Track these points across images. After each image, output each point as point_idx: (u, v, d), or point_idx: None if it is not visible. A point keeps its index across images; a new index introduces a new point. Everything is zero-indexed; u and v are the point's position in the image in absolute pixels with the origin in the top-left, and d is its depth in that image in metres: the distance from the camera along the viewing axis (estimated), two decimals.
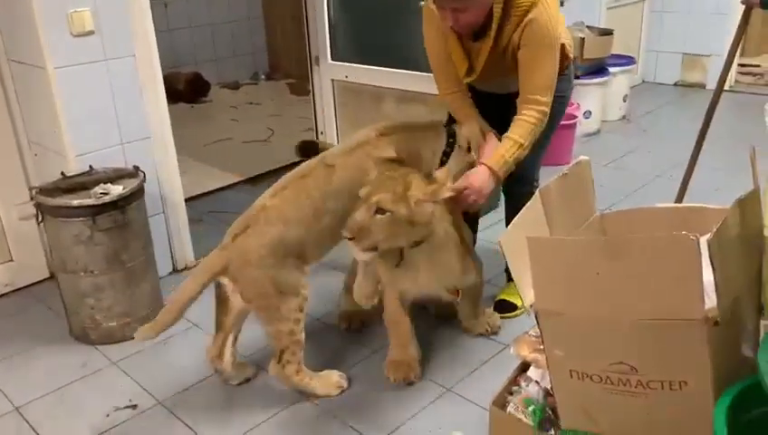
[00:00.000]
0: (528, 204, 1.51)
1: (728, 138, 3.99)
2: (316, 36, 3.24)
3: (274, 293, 2.00)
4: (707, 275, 1.25)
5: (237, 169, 4.11)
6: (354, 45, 3.23)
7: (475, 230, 2.64)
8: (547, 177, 2.12)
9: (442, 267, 2.07)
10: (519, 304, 2.57)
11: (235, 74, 6.28)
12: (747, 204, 1.29)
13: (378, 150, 2.14)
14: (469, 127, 2.23)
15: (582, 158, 1.64)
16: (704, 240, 1.44)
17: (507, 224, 2.64)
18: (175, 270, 2.94)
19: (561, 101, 2.30)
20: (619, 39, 4.71)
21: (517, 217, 1.49)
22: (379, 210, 1.83)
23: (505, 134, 2.11)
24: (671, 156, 4.11)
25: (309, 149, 2.57)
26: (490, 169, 2.06)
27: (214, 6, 6.14)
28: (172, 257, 2.92)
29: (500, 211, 3.15)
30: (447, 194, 1.90)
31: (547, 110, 2.11)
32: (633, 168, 4.01)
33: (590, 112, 4.52)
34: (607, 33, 4.53)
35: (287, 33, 6.18)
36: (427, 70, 2.47)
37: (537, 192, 1.54)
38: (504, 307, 2.56)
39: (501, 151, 2.09)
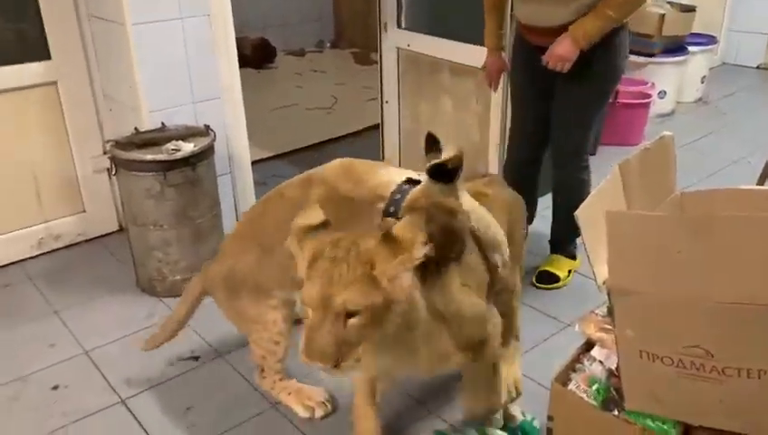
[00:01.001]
0: (608, 177, 1.46)
1: None
2: (386, 3, 3.20)
3: (239, 319, 1.98)
4: None
5: (301, 136, 4.14)
6: (421, 14, 3.18)
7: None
8: (616, 156, 2.07)
9: (433, 344, 1.48)
10: (562, 275, 2.57)
11: (300, 41, 6.30)
12: None
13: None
14: None
15: (666, 133, 1.57)
16: None
17: (554, 213, 2.62)
18: None
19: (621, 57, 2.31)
20: (700, 16, 4.49)
21: (595, 190, 1.43)
22: (350, 314, 1.26)
23: (601, 5, 2.11)
24: (750, 141, 3.92)
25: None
26: (572, 38, 2.14)
27: None
28: (237, 217, 2.97)
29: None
30: (421, 254, 1.29)
31: None
32: (709, 151, 3.85)
33: (665, 92, 4.34)
34: (689, 9, 4.33)
35: (354, 2, 6.14)
36: (481, 43, 2.53)
37: (617, 166, 1.48)
38: (547, 278, 2.57)
39: (584, 24, 2.13)
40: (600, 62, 2.24)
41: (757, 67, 5.44)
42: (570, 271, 2.61)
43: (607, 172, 1.49)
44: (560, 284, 2.56)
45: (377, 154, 3.56)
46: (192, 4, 2.55)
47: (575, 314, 2.04)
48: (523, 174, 2.59)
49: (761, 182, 2.54)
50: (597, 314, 1.77)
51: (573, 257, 2.63)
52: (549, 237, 2.67)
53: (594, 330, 1.71)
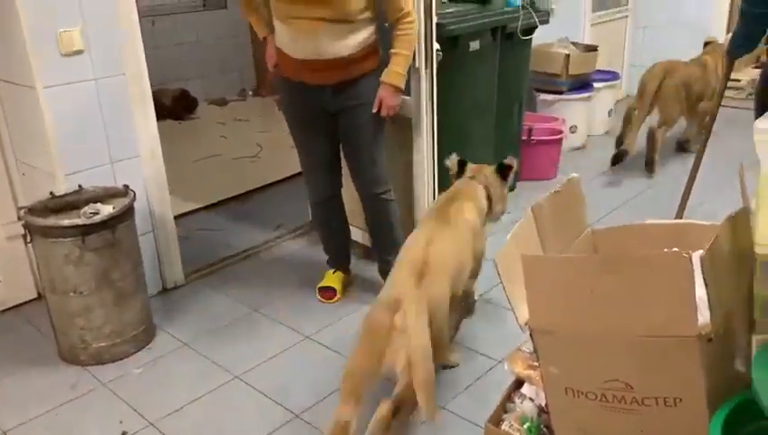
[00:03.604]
0: (521, 221, 1.52)
1: (713, 151, 4.04)
2: None
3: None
4: (700, 292, 1.27)
5: (226, 186, 4.10)
6: None
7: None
8: (534, 191, 2.20)
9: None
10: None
11: (222, 91, 6.28)
12: (738, 221, 1.31)
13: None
14: None
15: (573, 175, 1.66)
16: (696, 257, 1.47)
17: (370, 229, 2.81)
18: (164, 289, 2.92)
19: None
20: (603, 55, 4.78)
21: (511, 233, 1.50)
22: None
23: (392, 51, 2.42)
24: (657, 170, 4.16)
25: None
26: (392, 85, 2.43)
27: (200, 23, 6.15)
28: (161, 276, 2.90)
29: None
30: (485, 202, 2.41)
31: (414, 15, 2.42)
32: (620, 182, 4.05)
33: (576, 127, 4.57)
34: (591, 49, 4.60)
35: None
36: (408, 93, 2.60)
37: (529, 209, 1.55)
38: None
39: (395, 68, 2.42)
40: (374, 93, 2.47)
41: None
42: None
43: (526, 205, 1.56)
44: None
45: (304, 200, 3.57)
46: (106, 65, 2.52)
47: (507, 349, 2.09)
48: (326, 213, 2.80)
49: (678, 216, 2.69)
50: (524, 351, 1.83)
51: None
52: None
53: (522, 367, 1.77)
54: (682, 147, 4.50)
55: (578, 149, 4.64)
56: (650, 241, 1.65)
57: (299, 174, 3.99)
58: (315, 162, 2.67)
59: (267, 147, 4.90)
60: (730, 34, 2.34)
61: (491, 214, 2.42)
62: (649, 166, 4.08)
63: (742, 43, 2.29)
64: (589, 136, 4.77)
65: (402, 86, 2.47)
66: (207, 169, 4.51)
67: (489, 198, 2.39)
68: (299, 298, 2.86)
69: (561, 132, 4.13)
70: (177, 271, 2.95)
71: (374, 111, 2.48)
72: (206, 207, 3.85)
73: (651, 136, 4.05)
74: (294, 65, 2.43)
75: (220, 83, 6.30)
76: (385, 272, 2.60)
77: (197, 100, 5.86)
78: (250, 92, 6.48)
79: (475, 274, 2.36)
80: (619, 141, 4.11)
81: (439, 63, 2.60)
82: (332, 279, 2.87)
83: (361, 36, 2.38)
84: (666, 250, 1.21)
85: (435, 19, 2.55)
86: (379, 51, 2.50)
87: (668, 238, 1.64)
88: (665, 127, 4.05)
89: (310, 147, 2.64)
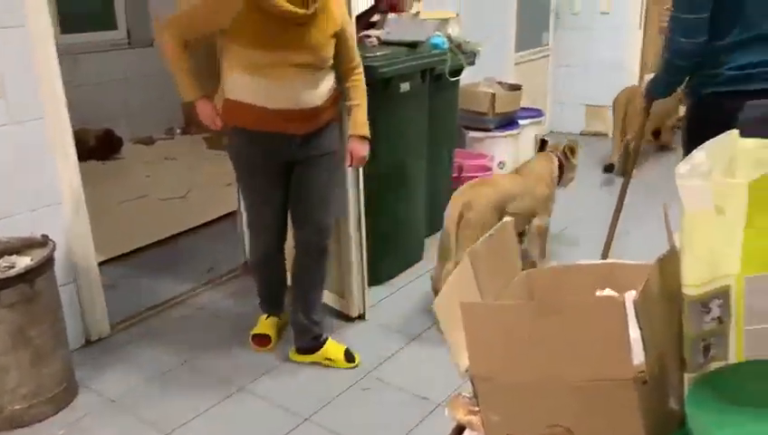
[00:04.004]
0: (459, 267, 1.52)
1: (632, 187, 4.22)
2: None
3: None
4: (634, 333, 1.29)
5: (154, 229, 3.96)
6: None
7: None
8: None
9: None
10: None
11: (149, 129, 6.12)
12: (666, 262, 1.35)
13: None
14: None
15: (506, 219, 1.68)
16: (629, 300, 1.49)
17: (303, 283, 2.63)
18: (88, 342, 2.77)
19: None
20: (527, 93, 4.94)
21: (448, 280, 1.49)
22: None
23: (353, 103, 2.50)
24: (582, 203, 4.29)
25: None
26: (363, 137, 2.52)
27: (126, 61, 6.01)
28: (85, 329, 2.75)
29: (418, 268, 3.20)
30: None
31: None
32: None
33: (504, 163, 4.68)
34: (516, 87, 4.74)
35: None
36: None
37: (466, 254, 1.55)
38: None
39: (361, 119, 2.51)
40: (336, 143, 2.54)
41: (580, 133, 6.04)
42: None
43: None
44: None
45: (235, 242, 3.49)
46: (22, 109, 2.40)
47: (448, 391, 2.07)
48: (274, 265, 2.71)
49: (604, 256, 2.76)
50: (465, 397, 1.81)
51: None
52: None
53: (463, 414, 1.74)
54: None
55: None
56: (583, 281, 1.68)
57: (229, 215, 3.93)
58: (272, 214, 2.53)
59: (196, 186, 4.78)
60: (650, 76, 2.44)
61: (563, 179, 3.40)
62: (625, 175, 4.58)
63: (661, 90, 2.40)
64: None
65: (369, 135, 2.54)
66: (133, 211, 4.35)
67: (561, 168, 3.35)
68: (232, 346, 2.77)
69: (489, 169, 4.22)
70: (101, 322, 2.80)
71: (347, 164, 2.57)
72: (132, 252, 3.70)
73: (625, 150, 4.64)
74: (264, 116, 2.32)
75: (147, 122, 6.14)
76: (305, 331, 2.57)
77: (122, 139, 5.69)
78: (178, 130, 6.34)
79: (542, 210, 3.20)
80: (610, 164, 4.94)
81: (371, 106, 2.62)
82: (266, 325, 2.79)
83: (329, 84, 2.39)
84: (600, 294, 1.23)
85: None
86: (339, 100, 2.50)
87: (600, 278, 1.67)
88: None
89: (268, 198, 2.51)
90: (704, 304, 1.36)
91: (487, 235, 1.65)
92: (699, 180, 1.29)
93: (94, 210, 2.73)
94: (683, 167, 1.38)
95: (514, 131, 4.66)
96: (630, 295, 1.51)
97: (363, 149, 2.53)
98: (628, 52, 5.68)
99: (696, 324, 1.37)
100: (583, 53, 5.85)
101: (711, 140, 1.49)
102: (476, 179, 3.14)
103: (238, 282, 3.34)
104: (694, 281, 1.33)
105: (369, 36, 3.25)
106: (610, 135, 5.72)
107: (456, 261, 2.75)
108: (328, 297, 3.03)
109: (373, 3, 3.30)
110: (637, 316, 1.26)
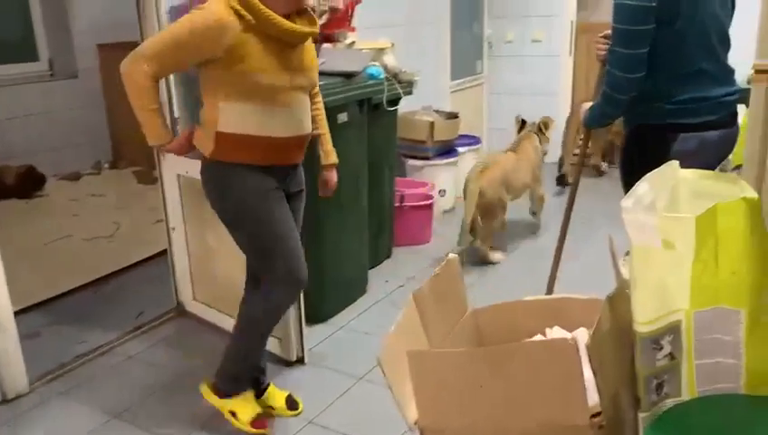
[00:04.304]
0: (404, 310, 1.44)
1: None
2: None
3: None
4: (587, 374, 1.24)
5: (79, 272, 3.73)
6: None
7: None
8: (410, 255, 2.18)
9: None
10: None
11: (74, 164, 5.84)
12: (616, 300, 1.31)
13: None
14: None
15: (451, 255, 1.62)
16: (581, 341, 1.45)
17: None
18: (4, 401, 2.53)
19: None
20: (464, 120, 4.97)
21: (394, 325, 1.41)
22: None
23: (320, 132, 2.44)
24: (527, 230, 4.32)
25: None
26: (335, 165, 2.53)
27: (49, 93, 5.73)
28: (0, 386, 2.52)
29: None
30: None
31: None
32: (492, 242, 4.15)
33: (445, 191, 4.67)
34: (453, 116, 4.76)
35: (131, 119, 5.85)
36: None
37: (411, 296, 1.48)
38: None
39: (330, 146, 2.50)
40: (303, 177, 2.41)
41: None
42: None
43: (403, 274, 1.49)
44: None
45: (166, 283, 3.31)
46: None
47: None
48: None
49: (549, 290, 2.73)
50: None
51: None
52: None
53: None
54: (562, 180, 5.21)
55: (448, 211, 4.73)
56: (531, 318, 1.63)
57: (160, 254, 3.73)
58: (297, 239, 2.26)
59: (125, 224, 4.56)
60: (588, 105, 2.44)
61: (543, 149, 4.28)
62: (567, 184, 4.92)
63: (599, 120, 2.41)
64: (457, 198, 4.89)
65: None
66: (57, 253, 4.10)
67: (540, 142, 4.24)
68: (168, 398, 2.58)
69: (431, 197, 4.19)
70: (19, 378, 2.58)
71: (321, 194, 2.57)
72: (56, 298, 3.46)
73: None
74: (271, 147, 2.11)
75: (72, 156, 5.86)
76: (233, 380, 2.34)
77: (46, 176, 5.40)
78: (106, 165, 6.08)
79: (536, 180, 4.15)
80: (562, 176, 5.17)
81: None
82: (254, 403, 2.38)
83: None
84: (550, 334, 1.17)
85: None
86: None
87: (548, 314, 1.63)
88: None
89: (290, 223, 2.23)
90: (655, 340, 1.32)
91: (433, 274, 1.58)
92: (646, 214, 1.26)
93: (14, 253, 2.53)
94: (627, 200, 1.35)
95: (453, 159, 4.66)
96: (581, 334, 1.47)
97: (335, 178, 2.54)
98: (561, 78, 5.81)
99: (648, 362, 1.33)
100: (517, 81, 5.96)
101: (653, 171, 1.48)
102: (479, 165, 3.80)
103: (171, 326, 3.16)
104: (645, 318, 1.29)
105: None
106: (546, 160, 5.84)
107: (481, 239, 3.78)
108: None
109: None
110: (590, 358, 1.21)
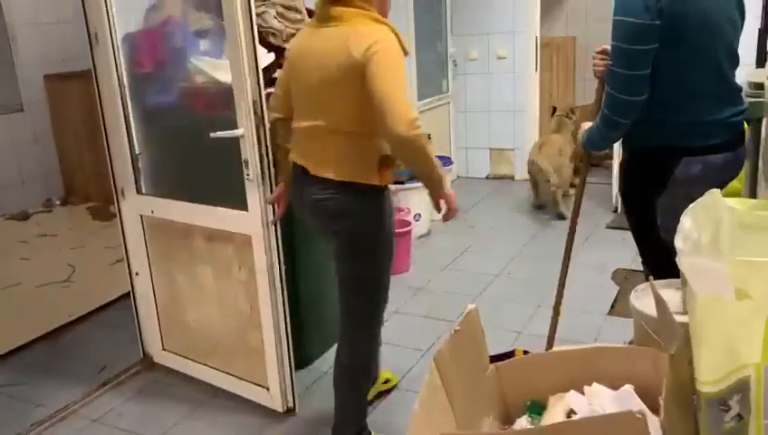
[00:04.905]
0: (426, 379, 1.24)
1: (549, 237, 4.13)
2: (119, 167, 2.81)
3: None
4: None
5: (31, 324, 3.40)
6: (163, 177, 2.84)
7: None
8: (390, 287, 2.02)
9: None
10: None
11: (23, 203, 5.47)
12: (677, 356, 1.14)
13: None
14: None
15: (470, 307, 1.43)
16: (625, 395, 1.28)
17: None
18: None
19: None
20: (434, 141, 4.82)
21: (418, 400, 1.21)
22: None
23: None
24: (503, 251, 4.17)
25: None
26: None
27: None
28: None
29: None
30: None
31: None
32: (472, 268, 3.99)
33: (420, 215, 4.50)
34: (426, 136, 4.60)
35: (83, 152, 5.56)
36: (235, 206, 2.42)
37: (432, 360, 1.28)
38: None
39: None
40: None
41: (486, 177, 6.01)
42: None
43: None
44: None
45: (131, 330, 3.03)
46: None
47: None
48: None
49: (550, 341, 2.57)
50: None
51: None
52: None
53: None
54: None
55: (423, 236, 4.57)
56: (560, 373, 1.45)
57: (120, 298, 3.44)
58: None
59: (81, 266, 4.24)
60: (587, 125, 2.30)
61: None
62: (560, 216, 4.73)
63: (598, 144, 2.27)
64: (432, 221, 4.73)
65: None
66: (6, 302, 3.76)
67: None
68: None
69: (409, 223, 4.01)
70: None
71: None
72: (7, 354, 3.15)
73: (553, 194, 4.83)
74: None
75: (19, 195, 5.50)
76: None
77: None
78: (57, 202, 5.73)
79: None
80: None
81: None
82: None
83: None
84: (618, 412, 0.99)
85: (268, 126, 2.31)
86: None
87: (579, 368, 1.45)
88: (560, 188, 4.85)
89: None
90: (722, 401, 1.14)
91: (453, 331, 1.39)
92: (711, 259, 1.09)
93: None
94: (681, 242, 1.19)
95: None
96: (628, 393, 1.29)
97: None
98: (527, 95, 5.73)
99: (714, 426, 1.15)
100: (483, 98, 5.86)
101: (694, 203, 1.32)
102: (536, 146, 5.06)
103: (138, 381, 2.87)
104: (712, 377, 1.12)
105: (273, 93, 2.97)
106: (516, 177, 5.75)
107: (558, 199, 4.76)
108: (248, 390, 2.65)
109: (273, 58, 3.02)
110: (663, 431, 1.03)
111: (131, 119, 2.74)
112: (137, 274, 2.97)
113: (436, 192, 2.05)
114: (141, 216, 2.82)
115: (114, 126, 2.76)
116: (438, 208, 2.08)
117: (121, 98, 2.71)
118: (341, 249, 2.12)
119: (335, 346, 3.05)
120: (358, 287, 2.15)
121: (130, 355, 3.01)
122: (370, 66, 1.87)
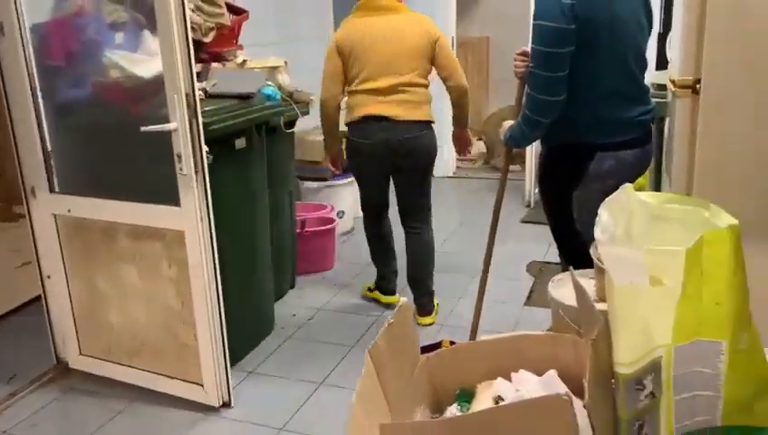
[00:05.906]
0: (362, 373, 1.27)
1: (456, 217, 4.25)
2: (29, 164, 2.67)
3: None
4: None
5: None
6: (79, 176, 2.72)
7: None
8: (315, 284, 2.03)
9: None
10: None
11: None
12: (597, 341, 1.21)
13: None
14: None
15: (403, 300, 1.46)
16: (550, 379, 1.34)
17: None
18: None
19: None
20: None
21: (355, 394, 1.23)
22: None
23: None
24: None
25: None
26: None
27: None
28: None
29: None
30: None
31: None
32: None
33: (344, 212, 4.52)
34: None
35: None
36: (165, 202, 2.40)
37: (367, 353, 1.31)
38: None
39: None
40: None
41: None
42: None
43: (311, 305, 1.30)
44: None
45: (42, 336, 2.89)
46: None
47: None
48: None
49: (473, 332, 2.63)
50: None
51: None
52: None
53: None
54: None
55: (347, 233, 4.58)
56: (487, 361, 1.50)
57: (32, 301, 3.25)
58: None
59: None
60: (508, 123, 2.38)
61: None
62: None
63: (520, 141, 2.35)
64: (356, 218, 4.74)
65: None
66: None
67: None
68: None
69: (333, 221, 4.02)
70: None
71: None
72: None
73: None
74: None
75: None
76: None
77: None
78: None
79: None
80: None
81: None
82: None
83: None
84: (546, 395, 1.04)
85: (201, 120, 2.26)
86: None
87: (505, 356, 1.51)
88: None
89: None
90: (638, 381, 1.23)
91: (387, 324, 1.41)
92: (628, 249, 1.17)
93: None
94: (600, 233, 1.26)
95: (351, 179, 4.51)
96: (552, 377, 1.36)
97: None
98: (442, 97, 5.81)
99: (631, 404, 1.24)
100: None
101: (609, 197, 1.41)
102: None
103: (53, 389, 2.73)
104: (628, 359, 1.20)
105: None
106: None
107: None
108: (179, 388, 2.58)
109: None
110: (588, 413, 1.09)
111: (42, 113, 2.61)
112: (48, 277, 2.83)
113: (465, 130, 3.25)
114: (55, 215, 2.69)
115: (23, 121, 2.62)
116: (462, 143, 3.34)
117: (32, 90, 2.57)
118: (424, 168, 3.14)
119: (261, 344, 3.07)
120: (428, 192, 3.22)
121: (42, 362, 2.86)
122: (441, 40, 3.00)
